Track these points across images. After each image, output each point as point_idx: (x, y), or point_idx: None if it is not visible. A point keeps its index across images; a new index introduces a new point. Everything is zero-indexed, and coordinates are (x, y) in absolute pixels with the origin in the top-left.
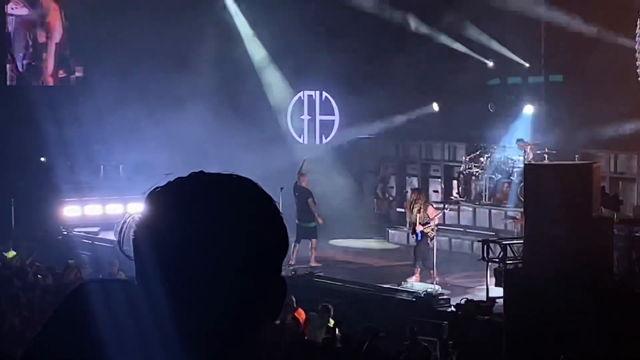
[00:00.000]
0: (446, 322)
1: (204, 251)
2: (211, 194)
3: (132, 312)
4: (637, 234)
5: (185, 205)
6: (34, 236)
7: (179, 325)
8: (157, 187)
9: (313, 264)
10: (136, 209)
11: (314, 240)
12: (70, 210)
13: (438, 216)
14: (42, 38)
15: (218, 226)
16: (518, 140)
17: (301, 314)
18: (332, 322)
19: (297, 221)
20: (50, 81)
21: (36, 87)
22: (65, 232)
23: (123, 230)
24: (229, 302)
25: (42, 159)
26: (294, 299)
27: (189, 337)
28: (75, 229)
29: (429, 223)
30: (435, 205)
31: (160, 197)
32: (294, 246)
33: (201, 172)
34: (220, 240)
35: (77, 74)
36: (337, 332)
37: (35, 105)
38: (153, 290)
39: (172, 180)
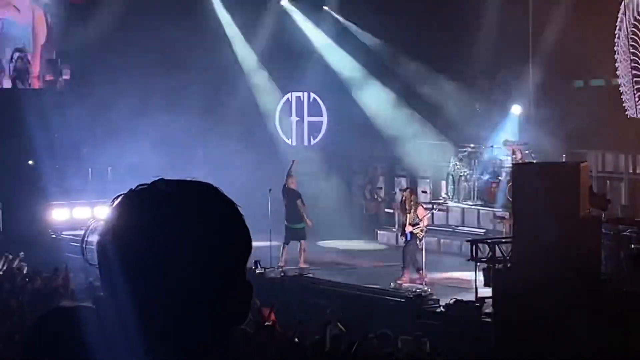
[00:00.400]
0: (436, 323)
1: (166, 257)
2: (172, 199)
3: (99, 336)
4: (624, 233)
5: (147, 211)
6: (23, 239)
7: (145, 330)
8: (120, 195)
9: (302, 265)
10: (99, 215)
11: (302, 241)
12: (59, 214)
13: (427, 217)
14: (27, 41)
15: (179, 231)
16: (505, 141)
17: (266, 314)
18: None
19: (285, 223)
20: (37, 84)
21: (23, 90)
22: (53, 235)
23: (85, 237)
24: (194, 307)
25: (30, 162)
26: (257, 302)
27: (156, 343)
28: (64, 232)
29: (418, 224)
30: (424, 206)
31: (123, 205)
32: (283, 248)
33: (161, 179)
34: (183, 245)
35: (64, 77)
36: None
37: (22, 109)
38: (118, 297)
39: (134, 187)
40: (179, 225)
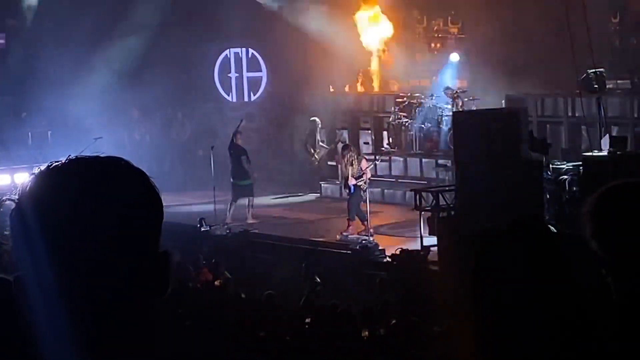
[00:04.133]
0: (383, 273)
1: (80, 229)
2: (84, 174)
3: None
4: (565, 177)
5: (61, 187)
6: None
7: (64, 300)
8: (36, 172)
9: (250, 221)
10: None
11: (250, 198)
12: (1, 179)
13: (370, 168)
14: None
15: (93, 203)
16: (445, 88)
17: (207, 274)
18: (317, 278)
19: (232, 180)
20: None
21: None
22: None
23: None
24: (110, 280)
25: None
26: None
27: (76, 313)
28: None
29: (361, 176)
30: (367, 158)
31: (39, 180)
32: (231, 205)
33: (75, 157)
34: (94, 219)
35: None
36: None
37: None
38: (33, 270)
39: (49, 164)
40: (90, 199)
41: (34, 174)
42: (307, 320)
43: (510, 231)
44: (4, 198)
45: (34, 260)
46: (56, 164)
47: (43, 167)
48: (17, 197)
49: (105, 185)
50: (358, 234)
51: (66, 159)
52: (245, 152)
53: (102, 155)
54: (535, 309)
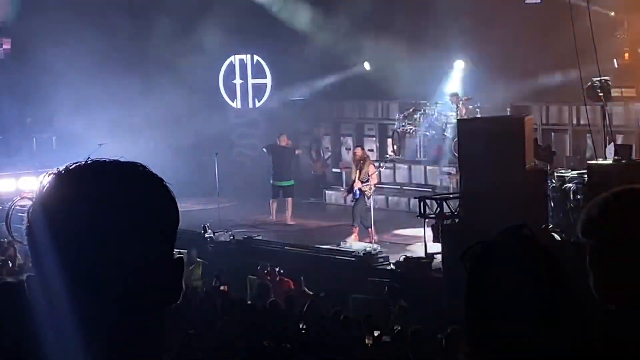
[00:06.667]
0: (386, 280)
1: (96, 234)
2: (102, 178)
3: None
4: (570, 185)
5: (79, 189)
6: None
7: (74, 307)
8: (50, 173)
9: (290, 222)
10: (23, 188)
11: (290, 199)
12: (5, 184)
13: (375, 174)
14: None
15: (109, 209)
16: (452, 94)
17: (289, 283)
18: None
19: (271, 181)
20: None
21: None
22: (0, 207)
23: (10, 214)
24: (125, 285)
25: None
26: (277, 270)
27: (86, 319)
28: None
29: (368, 181)
30: (374, 164)
31: (55, 182)
32: (272, 203)
33: (96, 159)
34: (112, 222)
35: (4, 47)
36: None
37: None
38: (46, 274)
39: (68, 165)
40: (109, 203)
41: (52, 174)
42: (311, 327)
43: (498, 243)
44: (20, 196)
45: (48, 260)
46: (75, 165)
47: (62, 168)
48: (34, 196)
49: (126, 190)
50: (362, 240)
51: (85, 161)
52: (291, 151)
53: (121, 160)
54: (527, 318)
